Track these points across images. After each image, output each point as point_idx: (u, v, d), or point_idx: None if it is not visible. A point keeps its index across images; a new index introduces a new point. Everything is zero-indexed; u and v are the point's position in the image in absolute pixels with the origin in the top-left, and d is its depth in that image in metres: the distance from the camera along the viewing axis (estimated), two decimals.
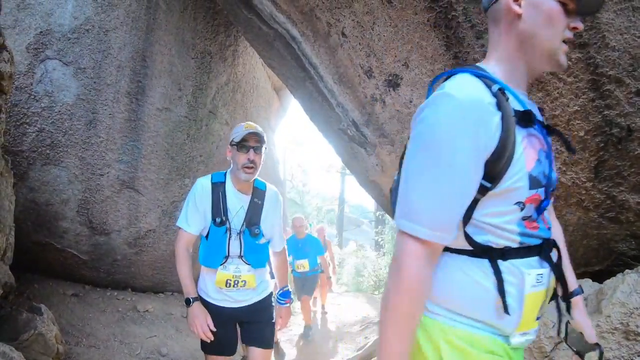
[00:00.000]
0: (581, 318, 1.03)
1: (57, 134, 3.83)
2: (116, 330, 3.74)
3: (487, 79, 0.82)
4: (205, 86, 4.71)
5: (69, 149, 3.88)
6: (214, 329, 1.84)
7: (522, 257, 0.83)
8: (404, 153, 0.91)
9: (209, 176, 1.98)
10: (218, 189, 1.92)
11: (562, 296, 0.99)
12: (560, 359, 1.88)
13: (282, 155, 18.19)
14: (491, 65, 0.90)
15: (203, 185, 1.94)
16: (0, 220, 2.47)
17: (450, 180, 0.77)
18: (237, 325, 2.08)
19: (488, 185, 0.79)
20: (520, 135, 0.81)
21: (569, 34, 0.85)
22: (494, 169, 0.78)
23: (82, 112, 3.90)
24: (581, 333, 1.01)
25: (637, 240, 2.23)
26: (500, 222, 0.82)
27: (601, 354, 0.95)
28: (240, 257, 1.93)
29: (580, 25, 0.85)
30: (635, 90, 1.90)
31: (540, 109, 0.99)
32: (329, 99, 3.12)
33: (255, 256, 1.97)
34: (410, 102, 2.58)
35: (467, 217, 0.82)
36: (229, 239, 1.91)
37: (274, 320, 2.10)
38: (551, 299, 0.92)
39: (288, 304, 2.15)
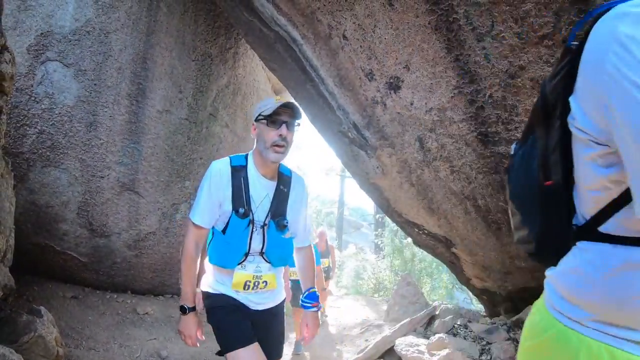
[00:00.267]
0: None
1: (58, 135, 3.83)
2: (116, 333, 3.72)
3: None
4: (205, 88, 4.72)
5: (69, 151, 3.88)
6: (203, 339, 1.67)
7: None
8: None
9: (227, 159, 1.68)
10: (239, 173, 1.64)
11: None
12: None
13: None
14: None
15: (221, 170, 1.64)
16: (1, 222, 2.46)
17: None
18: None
19: None
20: None
21: None
22: None
23: (82, 114, 3.90)
24: None
25: None
26: None
27: None
28: (262, 253, 1.67)
29: None
30: None
31: None
32: (330, 102, 3.12)
33: (279, 252, 1.71)
34: (411, 104, 2.58)
35: None
36: (252, 233, 1.64)
37: (283, 342, 1.85)
38: None
39: (315, 308, 1.83)
